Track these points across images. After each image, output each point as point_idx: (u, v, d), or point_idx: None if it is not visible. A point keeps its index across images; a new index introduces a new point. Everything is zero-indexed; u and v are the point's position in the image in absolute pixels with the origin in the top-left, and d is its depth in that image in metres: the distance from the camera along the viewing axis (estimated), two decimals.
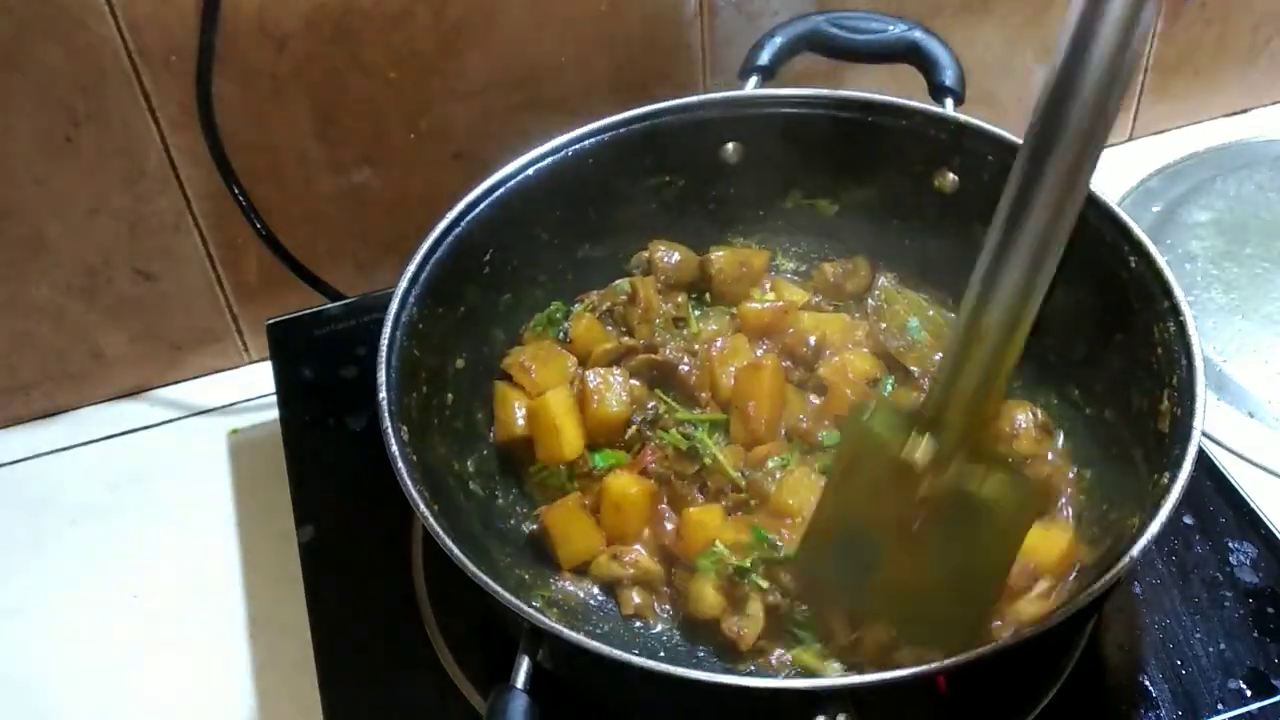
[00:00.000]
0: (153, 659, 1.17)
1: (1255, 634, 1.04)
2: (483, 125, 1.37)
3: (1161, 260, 1.04)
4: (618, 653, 0.84)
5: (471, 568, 0.87)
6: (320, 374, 1.33)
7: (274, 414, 1.31)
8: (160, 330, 1.41)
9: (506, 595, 0.86)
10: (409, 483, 0.93)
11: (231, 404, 1.43)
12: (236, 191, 1.30)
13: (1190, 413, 0.93)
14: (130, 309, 1.38)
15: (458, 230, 1.12)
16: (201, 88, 1.23)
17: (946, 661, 0.82)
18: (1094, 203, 1.09)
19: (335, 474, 1.23)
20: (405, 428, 0.99)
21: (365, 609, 1.12)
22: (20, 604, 1.23)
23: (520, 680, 0.84)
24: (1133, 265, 1.05)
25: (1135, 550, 0.85)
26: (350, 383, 1.31)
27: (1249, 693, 1.00)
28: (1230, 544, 1.12)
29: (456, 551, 0.88)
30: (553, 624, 0.84)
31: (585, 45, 1.36)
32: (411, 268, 1.07)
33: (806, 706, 0.80)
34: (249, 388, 1.44)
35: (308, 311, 1.39)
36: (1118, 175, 1.64)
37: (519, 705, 0.82)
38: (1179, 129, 1.73)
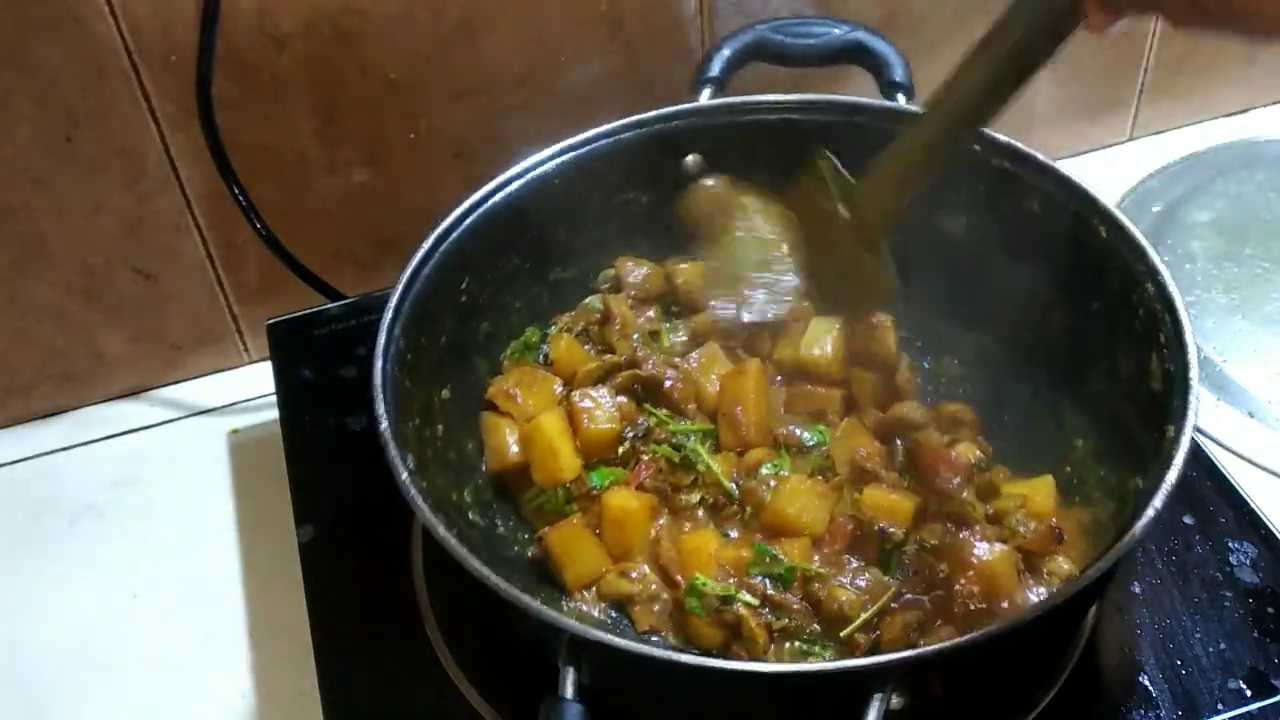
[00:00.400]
0: (152, 659, 1.17)
1: (1255, 634, 1.04)
2: (483, 125, 1.37)
3: (1132, 226, 1.05)
4: (668, 654, 0.84)
5: (505, 585, 0.86)
6: (320, 374, 1.33)
7: (274, 414, 1.31)
8: (160, 330, 1.41)
9: (545, 610, 0.85)
10: (425, 509, 0.92)
11: (231, 404, 1.43)
12: (236, 191, 1.30)
13: (1185, 365, 0.94)
14: (130, 309, 1.38)
15: (434, 260, 1.11)
16: (201, 87, 1.23)
17: (1011, 621, 0.83)
18: (1059, 180, 1.11)
19: (335, 474, 1.23)
20: (412, 455, 0.99)
21: (365, 609, 1.12)
22: (20, 603, 1.23)
23: (569, 691, 0.84)
24: (1102, 234, 1.06)
25: (1157, 501, 0.86)
26: (350, 383, 1.31)
27: (1249, 693, 1.00)
28: (1230, 544, 1.12)
29: (485, 571, 0.87)
30: (599, 633, 0.84)
31: (585, 45, 1.36)
32: (394, 299, 1.07)
33: (866, 687, 0.80)
34: (249, 388, 1.44)
35: (308, 311, 1.39)
36: (1117, 175, 1.64)
37: (574, 714, 0.82)
38: (1179, 129, 1.73)
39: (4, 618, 1.22)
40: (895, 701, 0.81)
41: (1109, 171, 1.65)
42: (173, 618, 1.20)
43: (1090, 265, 1.07)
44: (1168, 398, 0.95)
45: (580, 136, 1.20)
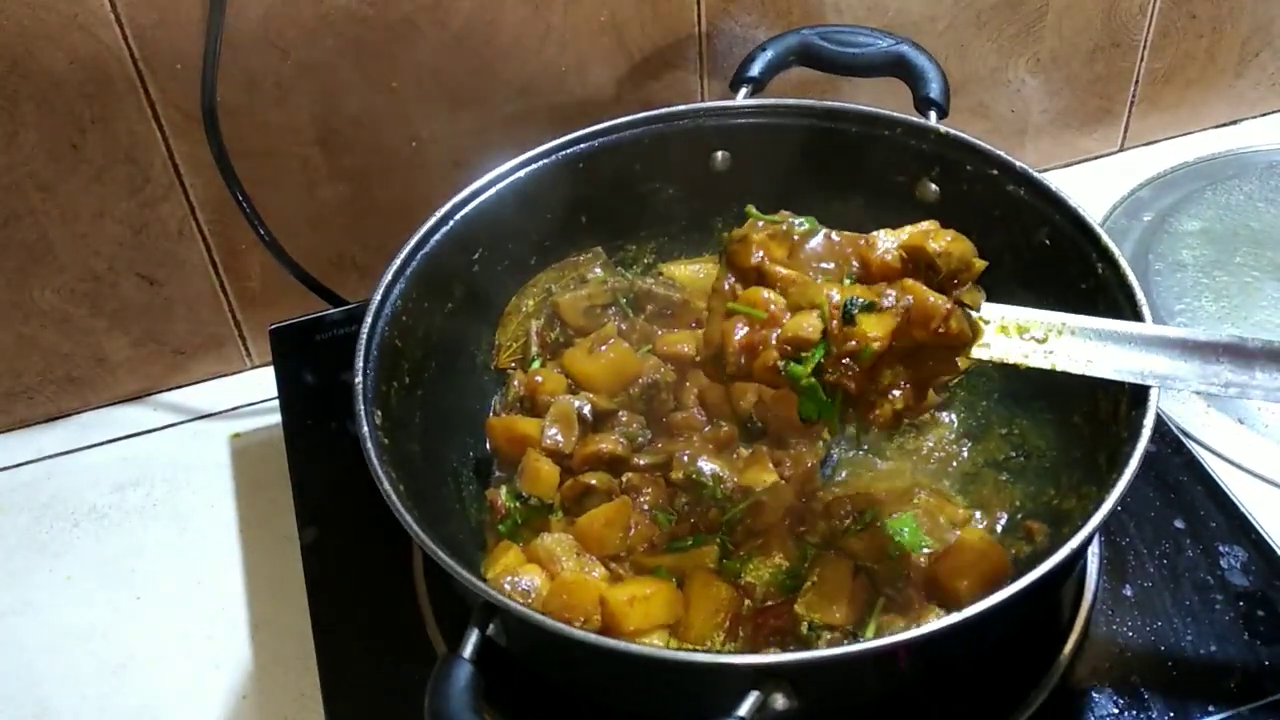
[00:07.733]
0: (155, 661, 1.18)
1: (1246, 636, 1.06)
2: (483, 134, 1.39)
3: (1128, 268, 1.04)
4: (561, 626, 0.85)
5: (428, 541, 0.88)
6: (322, 379, 1.34)
7: (276, 418, 1.32)
8: (164, 335, 1.42)
9: (458, 569, 0.87)
10: (377, 464, 0.94)
11: (234, 408, 1.44)
12: (240, 198, 1.31)
13: (1143, 412, 0.93)
14: (134, 314, 1.39)
15: (448, 227, 1.14)
16: (206, 95, 1.24)
17: (900, 637, 0.84)
18: (1069, 213, 1.10)
19: (337, 478, 1.23)
20: (380, 412, 1.01)
21: (367, 612, 1.13)
22: (24, 605, 1.24)
23: (468, 651, 0.85)
24: (1099, 271, 1.07)
25: (1067, 549, 0.87)
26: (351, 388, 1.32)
27: (1240, 694, 1.01)
28: (1221, 548, 1.13)
29: (414, 525, 0.89)
30: (501, 597, 0.86)
31: (585, 55, 1.38)
32: (398, 260, 1.09)
33: (746, 682, 0.81)
34: (251, 392, 1.45)
35: (310, 317, 1.40)
36: (1108, 185, 1.65)
37: (463, 673, 0.83)
38: (1169, 140, 1.74)
39: (8, 618, 1.23)
40: (781, 702, 0.81)
41: (1100, 182, 1.66)
42: (175, 619, 1.21)
43: (1086, 303, 1.07)
44: (1124, 440, 0.94)
45: (611, 123, 1.23)
